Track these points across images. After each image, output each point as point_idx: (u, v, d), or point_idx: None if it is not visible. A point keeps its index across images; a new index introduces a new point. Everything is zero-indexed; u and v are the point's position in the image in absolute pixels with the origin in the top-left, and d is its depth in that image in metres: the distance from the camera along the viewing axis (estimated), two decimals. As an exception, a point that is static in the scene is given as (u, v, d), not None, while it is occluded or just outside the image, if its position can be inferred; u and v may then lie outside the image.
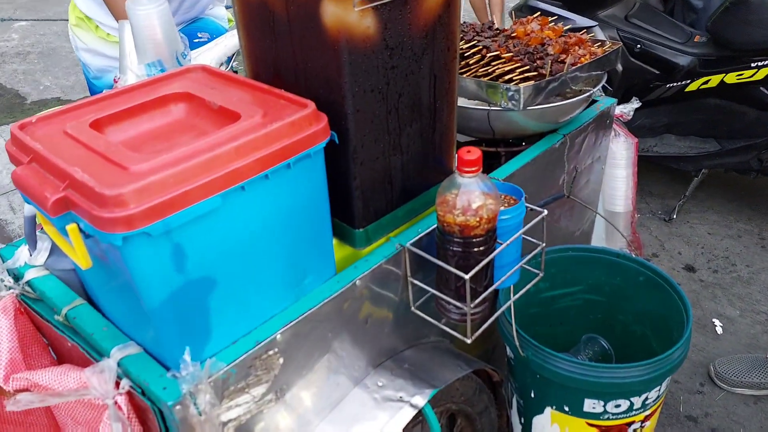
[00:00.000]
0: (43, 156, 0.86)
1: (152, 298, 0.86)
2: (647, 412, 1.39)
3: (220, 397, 0.94)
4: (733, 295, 2.54)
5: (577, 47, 1.56)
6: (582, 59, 1.51)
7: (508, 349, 1.46)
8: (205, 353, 0.95)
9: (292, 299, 1.05)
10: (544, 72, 1.44)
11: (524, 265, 1.23)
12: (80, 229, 0.83)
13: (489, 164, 1.51)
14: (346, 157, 1.08)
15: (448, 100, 1.20)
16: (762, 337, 2.33)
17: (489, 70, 1.49)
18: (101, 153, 0.86)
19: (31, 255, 1.16)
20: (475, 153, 1.03)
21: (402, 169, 1.17)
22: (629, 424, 1.39)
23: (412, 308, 1.23)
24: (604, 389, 1.31)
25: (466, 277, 1.05)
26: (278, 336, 1.00)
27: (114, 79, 1.37)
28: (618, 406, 1.34)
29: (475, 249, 1.08)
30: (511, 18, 1.81)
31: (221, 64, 1.54)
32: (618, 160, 1.85)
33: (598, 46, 1.61)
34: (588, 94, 1.55)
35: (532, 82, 1.39)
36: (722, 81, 2.69)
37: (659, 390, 1.36)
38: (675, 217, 3.01)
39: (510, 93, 1.37)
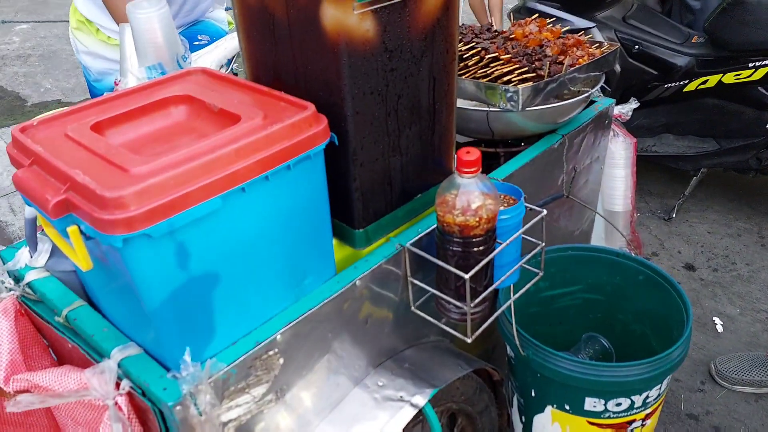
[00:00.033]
0: (44, 158, 0.87)
1: (152, 299, 0.87)
2: (648, 411, 1.39)
3: (221, 398, 0.95)
4: (733, 294, 2.54)
5: (575, 48, 1.57)
6: (580, 60, 1.51)
7: (508, 348, 1.46)
8: (205, 354, 0.95)
9: (293, 300, 1.06)
10: (542, 73, 1.44)
11: (524, 265, 1.23)
12: (81, 231, 0.83)
13: (488, 165, 1.52)
14: (346, 159, 1.08)
15: (447, 101, 1.20)
16: (762, 335, 2.34)
17: (488, 72, 1.49)
18: (102, 155, 0.86)
19: (31, 257, 1.17)
20: (474, 154, 1.04)
21: (401, 170, 1.18)
22: (630, 423, 1.40)
23: (412, 308, 1.24)
24: (604, 388, 1.32)
25: (466, 276, 1.06)
26: (278, 336, 1.01)
27: (115, 82, 1.38)
28: (619, 404, 1.35)
29: (475, 249, 1.08)
30: (510, 19, 1.82)
31: (221, 67, 1.55)
32: (617, 159, 1.86)
33: (596, 48, 1.62)
34: (586, 95, 1.55)
35: (530, 84, 1.40)
36: (720, 81, 2.70)
37: (660, 388, 1.36)
38: (674, 216, 3.01)
39: (509, 94, 1.38)
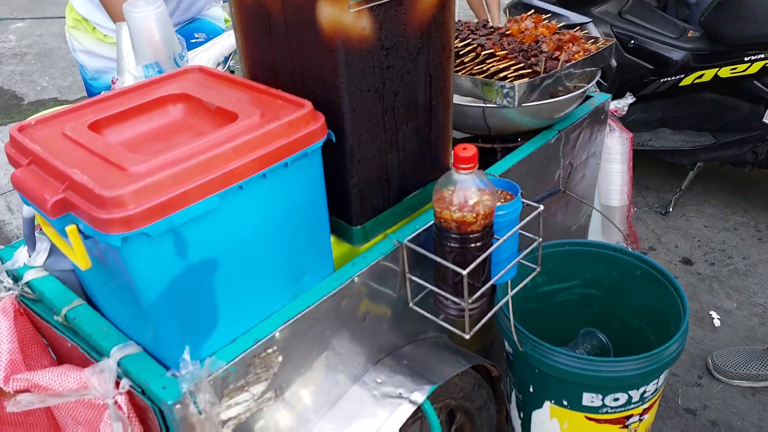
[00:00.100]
0: (42, 158, 0.87)
1: (151, 298, 0.87)
2: (645, 405, 1.40)
3: (220, 396, 0.95)
4: (730, 288, 2.55)
5: (571, 44, 1.57)
6: (576, 56, 1.51)
7: (506, 344, 1.47)
8: (204, 352, 0.96)
9: (291, 297, 1.06)
10: (538, 69, 1.45)
11: (521, 260, 1.24)
12: (79, 230, 0.84)
13: (485, 160, 1.52)
14: (344, 156, 1.08)
15: (443, 98, 1.21)
16: (759, 328, 2.35)
17: (484, 68, 1.49)
18: (100, 154, 0.86)
19: (30, 256, 1.17)
20: (470, 150, 1.04)
21: (399, 166, 1.18)
22: (628, 418, 1.40)
23: (411, 304, 1.24)
24: (602, 383, 1.32)
25: (464, 272, 1.06)
26: (277, 334, 1.01)
27: (112, 81, 1.38)
28: (616, 399, 1.35)
29: (472, 245, 1.09)
30: (506, 15, 1.82)
31: (218, 64, 1.55)
32: (613, 154, 1.86)
33: (592, 43, 1.62)
34: (582, 90, 1.55)
35: (526, 80, 1.40)
36: (716, 75, 2.71)
37: (657, 383, 1.37)
38: (671, 210, 3.02)
39: (505, 90, 1.38)
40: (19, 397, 0.97)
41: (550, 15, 1.83)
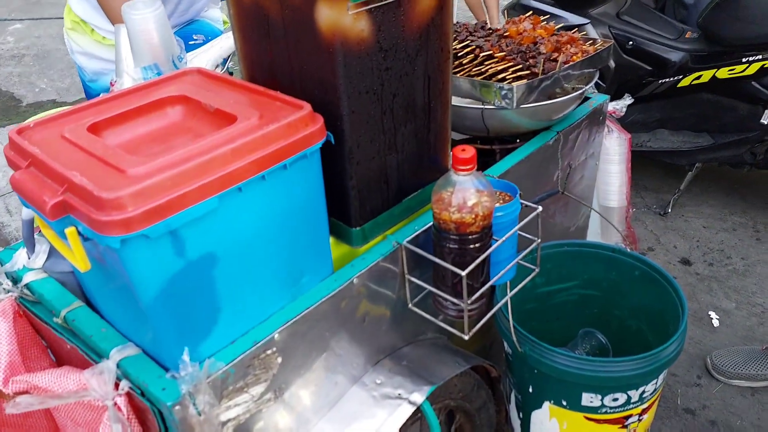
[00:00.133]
0: (42, 160, 0.87)
1: (150, 300, 0.87)
2: (644, 406, 1.40)
3: (219, 397, 0.95)
4: (728, 288, 2.56)
5: (569, 46, 1.57)
6: (574, 57, 1.52)
7: (505, 344, 1.47)
8: (203, 353, 0.96)
9: (290, 298, 1.06)
10: (536, 71, 1.45)
11: (520, 261, 1.24)
12: (79, 232, 0.84)
13: (484, 162, 1.53)
14: (342, 157, 1.08)
15: (442, 100, 1.21)
16: (758, 328, 2.35)
17: (482, 70, 1.50)
18: (99, 156, 0.86)
19: (29, 258, 1.17)
20: (469, 151, 1.04)
21: (398, 168, 1.18)
22: (627, 418, 1.40)
23: (410, 305, 1.24)
24: (601, 383, 1.33)
25: (463, 273, 1.06)
26: (276, 335, 1.01)
27: (110, 83, 1.38)
28: (615, 399, 1.36)
29: (471, 246, 1.09)
30: (505, 16, 1.82)
31: (217, 66, 1.55)
32: (611, 155, 1.87)
33: (590, 45, 1.63)
34: (580, 91, 1.56)
35: (524, 81, 1.40)
36: (714, 76, 2.71)
37: (656, 383, 1.37)
38: (670, 211, 3.02)
39: (503, 92, 1.38)
40: (19, 398, 0.97)
41: (548, 16, 1.84)
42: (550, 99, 1.51)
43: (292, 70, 1.09)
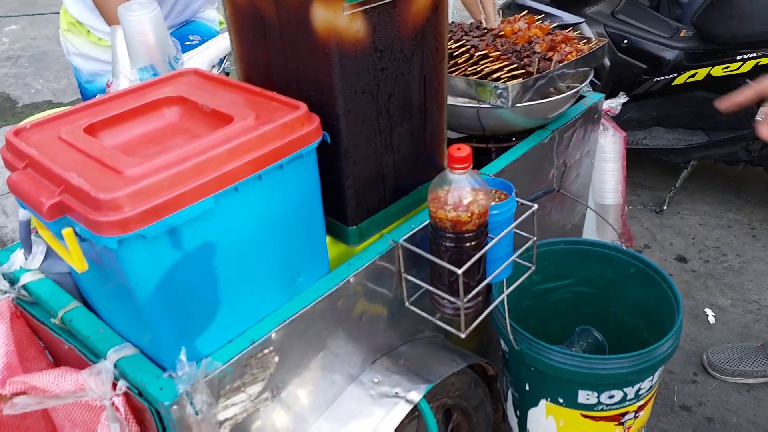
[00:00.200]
0: (39, 161, 0.87)
1: (147, 300, 0.87)
2: (640, 403, 1.41)
3: (217, 397, 0.95)
4: (724, 285, 2.57)
5: (563, 45, 1.58)
6: (569, 56, 1.52)
7: (502, 342, 1.47)
8: (200, 353, 0.96)
9: (287, 298, 1.07)
10: (531, 70, 1.45)
11: (516, 259, 1.24)
12: (76, 233, 0.84)
13: (480, 160, 1.53)
14: (339, 157, 1.09)
15: (437, 99, 1.21)
16: (754, 325, 2.36)
17: (478, 69, 1.50)
18: (96, 157, 0.87)
19: (26, 259, 1.17)
20: (464, 150, 1.05)
21: (394, 167, 1.19)
22: (623, 415, 1.41)
23: (407, 304, 1.25)
24: (597, 380, 1.33)
25: (459, 271, 1.07)
26: (273, 334, 1.01)
27: (107, 84, 1.38)
28: (611, 396, 1.36)
29: (468, 244, 1.09)
30: (500, 16, 1.83)
31: (213, 66, 1.55)
32: (607, 153, 1.88)
33: (585, 43, 1.63)
34: (575, 90, 1.56)
35: (519, 80, 1.41)
36: (708, 74, 2.72)
37: (652, 380, 1.38)
38: (666, 208, 3.03)
39: (499, 91, 1.39)
40: (16, 399, 0.98)
41: (543, 16, 1.84)
42: (546, 98, 1.52)
43: (288, 71, 1.10)
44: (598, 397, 1.36)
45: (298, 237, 1.04)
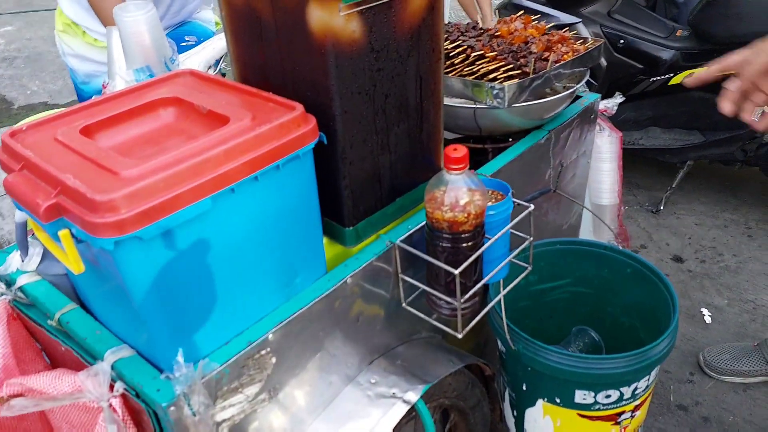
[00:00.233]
0: (35, 163, 0.87)
1: (144, 301, 0.87)
2: (637, 402, 1.41)
3: (214, 398, 0.95)
4: (721, 285, 2.57)
5: (560, 45, 1.58)
6: (565, 56, 1.53)
7: (499, 342, 1.48)
8: (197, 354, 0.96)
9: (284, 299, 1.07)
10: (527, 70, 1.46)
11: (513, 260, 1.25)
12: (72, 235, 0.84)
13: (476, 161, 1.53)
14: (335, 158, 1.09)
15: (434, 100, 1.21)
16: (750, 325, 2.37)
17: (474, 69, 1.50)
18: (92, 159, 0.87)
19: (23, 261, 1.17)
20: (461, 151, 1.05)
21: (390, 167, 1.19)
22: (620, 414, 1.41)
23: (404, 305, 1.25)
24: (593, 380, 1.33)
25: (456, 272, 1.07)
26: (270, 335, 1.01)
27: (103, 85, 1.38)
28: (608, 396, 1.37)
29: (464, 244, 1.10)
30: (496, 16, 1.83)
31: (209, 67, 1.55)
32: (603, 154, 1.88)
33: (581, 43, 1.64)
34: (572, 90, 1.57)
35: (516, 81, 1.41)
36: (705, 74, 2.73)
37: (648, 380, 1.38)
38: (662, 208, 3.04)
39: (495, 91, 1.39)
40: (13, 401, 0.97)
41: (539, 16, 1.85)
42: (542, 98, 1.52)
43: (285, 71, 1.10)
44: (594, 397, 1.36)
45: (294, 238, 1.04)
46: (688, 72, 2.75)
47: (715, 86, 2.94)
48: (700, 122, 2.90)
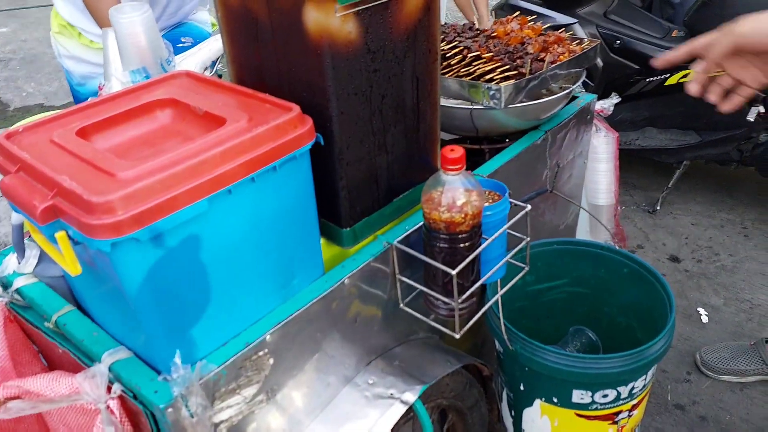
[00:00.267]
0: (31, 165, 0.87)
1: (141, 303, 0.87)
2: (634, 402, 1.41)
3: (212, 399, 0.95)
4: (717, 284, 2.58)
5: (556, 46, 1.59)
6: (561, 57, 1.53)
7: (496, 343, 1.48)
8: (195, 355, 0.96)
9: (281, 300, 1.07)
10: (524, 71, 1.46)
11: (510, 260, 1.25)
12: (69, 236, 0.84)
13: (473, 161, 1.54)
14: (332, 159, 1.09)
15: (430, 100, 1.22)
16: (746, 324, 2.37)
17: (470, 70, 1.51)
18: (88, 160, 0.86)
19: (19, 263, 1.17)
20: (458, 151, 1.05)
21: (387, 168, 1.19)
22: (617, 414, 1.42)
23: (401, 305, 1.25)
24: (591, 380, 1.34)
25: (453, 272, 1.07)
26: (268, 337, 1.01)
27: (99, 87, 1.37)
28: (605, 396, 1.37)
29: (461, 245, 1.10)
30: (493, 17, 1.84)
31: (205, 69, 1.55)
32: (599, 154, 1.88)
33: (577, 44, 1.64)
34: (568, 91, 1.57)
35: (512, 81, 1.41)
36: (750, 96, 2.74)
37: (645, 379, 1.39)
38: (659, 208, 3.05)
39: (491, 92, 1.39)
40: (10, 404, 0.97)
41: (535, 16, 1.85)
42: (538, 99, 1.53)
43: (281, 73, 1.10)
44: (592, 397, 1.37)
45: (292, 239, 1.04)
46: (683, 72, 2.76)
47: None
48: (696, 122, 2.91)
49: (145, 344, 0.95)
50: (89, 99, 1.08)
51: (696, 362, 2.20)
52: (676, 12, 3.01)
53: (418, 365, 1.29)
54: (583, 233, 2.03)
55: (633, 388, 1.37)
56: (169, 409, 0.89)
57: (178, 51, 1.58)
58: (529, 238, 1.25)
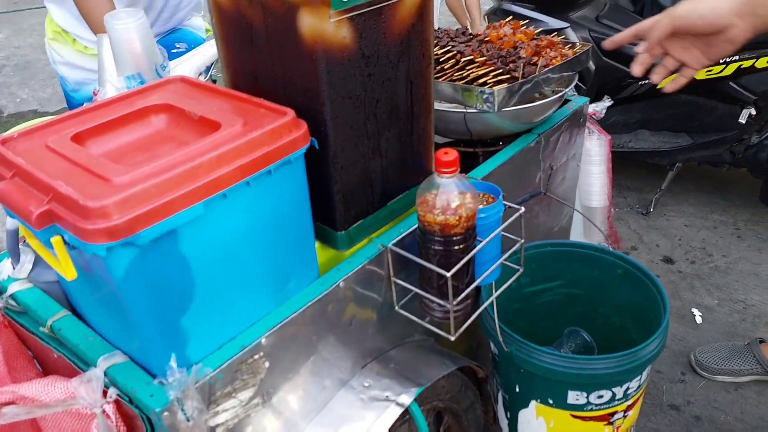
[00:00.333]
0: (26, 170, 0.87)
1: (137, 307, 0.87)
2: (629, 402, 1.42)
3: (207, 403, 0.95)
4: (711, 285, 2.59)
5: (548, 49, 1.60)
6: (553, 61, 1.54)
7: (492, 344, 1.48)
8: (190, 359, 0.96)
9: (277, 303, 1.07)
10: (517, 75, 1.47)
11: (504, 262, 1.25)
12: (64, 241, 0.84)
13: (467, 164, 1.54)
14: (327, 162, 1.10)
15: (424, 104, 1.22)
16: (740, 324, 2.39)
17: (464, 74, 1.52)
18: (84, 166, 0.87)
19: (14, 268, 1.17)
20: (452, 154, 1.06)
21: (382, 172, 1.20)
22: (612, 414, 1.42)
23: (396, 308, 1.25)
24: (586, 381, 1.34)
25: (448, 274, 1.08)
26: (263, 340, 1.02)
27: (93, 92, 1.38)
28: (600, 396, 1.37)
29: (456, 247, 1.10)
30: (485, 21, 1.85)
31: (200, 74, 1.55)
32: (592, 156, 1.89)
33: (569, 48, 1.65)
34: (560, 94, 1.58)
35: (505, 85, 1.42)
36: (692, 77, 2.75)
37: (640, 380, 1.39)
38: (652, 210, 3.06)
39: (485, 96, 1.40)
40: (5, 409, 0.97)
41: (528, 21, 1.86)
42: (531, 102, 1.54)
43: (276, 77, 1.10)
44: (587, 398, 1.37)
45: (287, 242, 1.05)
46: (675, 75, 2.77)
47: (702, 89, 2.98)
48: (688, 125, 2.93)
49: (141, 348, 0.96)
50: (84, 105, 1.08)
51: (690, 363, 2.21)
52: (667, 15, 3.03)
53: (414, 368, 1.29)
54: (577, 235, 2.04)
55: (628, 388, 1.38)
56: (165, 413, 0.89)
57: (172, 56, 1.59)
58: (523, 240, 1.26)
